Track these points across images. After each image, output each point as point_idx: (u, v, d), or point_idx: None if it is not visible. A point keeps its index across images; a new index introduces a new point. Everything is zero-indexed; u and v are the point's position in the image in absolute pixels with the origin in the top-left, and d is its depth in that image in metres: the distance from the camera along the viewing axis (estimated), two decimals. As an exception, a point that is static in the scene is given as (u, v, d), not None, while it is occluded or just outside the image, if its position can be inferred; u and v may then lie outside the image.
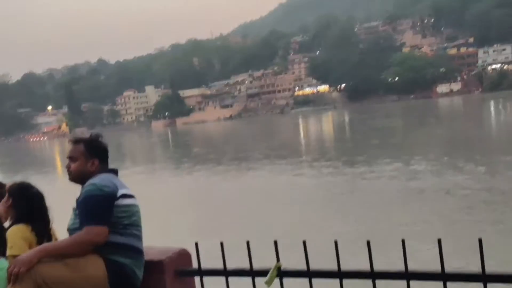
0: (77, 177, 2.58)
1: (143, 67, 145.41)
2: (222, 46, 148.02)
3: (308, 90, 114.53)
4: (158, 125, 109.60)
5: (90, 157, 2.58)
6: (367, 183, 16.25)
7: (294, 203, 14.41)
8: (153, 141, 68.84)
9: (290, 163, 24.45)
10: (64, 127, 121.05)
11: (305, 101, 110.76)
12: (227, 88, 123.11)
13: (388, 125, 43.14)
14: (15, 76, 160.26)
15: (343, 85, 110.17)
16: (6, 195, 2.83)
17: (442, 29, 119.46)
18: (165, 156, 42.44)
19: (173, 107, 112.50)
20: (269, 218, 12.59)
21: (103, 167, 2.61)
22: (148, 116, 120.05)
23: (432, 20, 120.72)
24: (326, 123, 63.27)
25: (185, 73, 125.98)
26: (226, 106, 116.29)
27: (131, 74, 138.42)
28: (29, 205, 2.78)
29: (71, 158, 2.60)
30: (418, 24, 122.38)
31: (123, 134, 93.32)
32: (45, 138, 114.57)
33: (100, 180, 2.47)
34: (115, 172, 2.63)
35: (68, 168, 2.60)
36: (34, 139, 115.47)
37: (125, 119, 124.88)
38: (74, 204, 2.56)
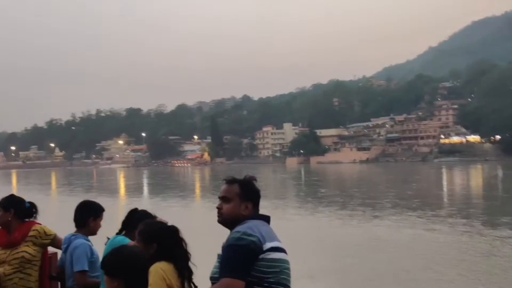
0: (228, 220, 2.38)
1: (283, 105, 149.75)
2: (364, 88, 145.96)
3: (455, 139, 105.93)
4: (292, 161, 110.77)
5: (245, 199, 2.39)
6: (508, 249, 13.75)
7: (415, 258, 12.79)
8: (285, 177, 69.44)
9: (421, 216, 22.23)
10: (206, 156, 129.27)
11: (451, 150, 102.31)
12: (365, 131, 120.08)
13: (547, 185, 37.36)
14: (170, 106, 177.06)
15: (498, 136, 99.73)
16: (139, 240, 2.65)
17: None
18: (292, 193, 42.23)
19: (308, 146, 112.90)
20: (382, 270, 11.25)
21: (255, 212, 2.40)
22: (284, 152, 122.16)
23: None
24: (473, 177, 57.37)
25: (324, 113, 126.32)
26: (363, 149, 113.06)
27: (272, 111, 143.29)
28: (168, 244, 2.59)
29: (224, 198, 2.41)
30: None
31: (258, 167, 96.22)
32: (188, 164, 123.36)
33: (247, 227, 2.25)
34: (267, 219, 2.38)
35: (220, 209, 2.41)
36: (179, 165, 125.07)
37: (262, 153, 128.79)
38: (219, 251, 2.33)
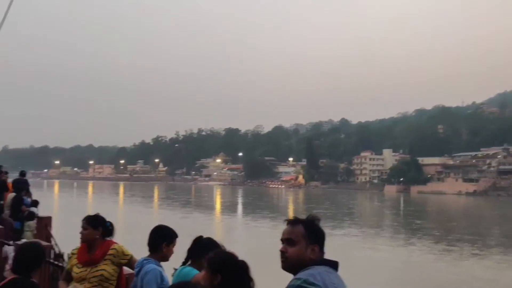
0: (294, 265, 2.14)
1: (383, 130, 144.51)
2: (474, 115, 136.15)
3: None
4: (391, 189, 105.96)
5: (311, 242, 2.17)
6: None
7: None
8: (381, 206, 66.46)
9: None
10: (300, 178, 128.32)
11: None
12: (473, 161, 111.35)
13: None
14: (267, 127, 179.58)
15: None
16: (206, 268, 2.54)
17: None
18: (385, 223, 40.00)
19: (409, 174, 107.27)
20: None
21: (321, 255, 2.19)
22: (382, 179, 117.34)
23: None
24: None
25: (427, 140, 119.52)
26: (470, 180, 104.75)
27: (371, 136, 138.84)
28: (233, 278, 2.47)
29: (289, 240, 2.17)
30: None
31: (354, 194, 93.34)
32: (282, 186, 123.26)
33: (309, 274, 2.03)
34: (334, 265, 2.15)
35: (284, 252, 2.18)
36: (273, 186, 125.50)
37: (359, 179, 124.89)
38: None
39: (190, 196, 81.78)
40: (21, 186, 11.05)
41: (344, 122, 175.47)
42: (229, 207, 57.40)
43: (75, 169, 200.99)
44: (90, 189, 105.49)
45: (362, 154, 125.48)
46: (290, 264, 2.13)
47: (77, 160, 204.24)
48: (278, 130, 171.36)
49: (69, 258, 3.87)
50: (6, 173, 13.09)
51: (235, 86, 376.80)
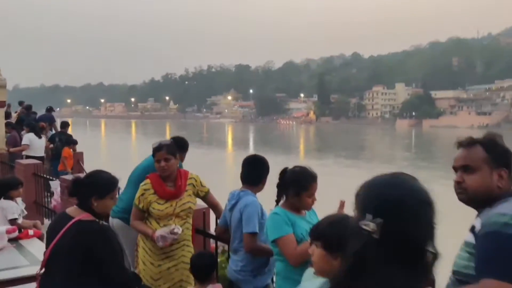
0: (478, 196, 1.74)
1: (396, 63, 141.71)
2: (489, 46, 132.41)
3: None
4: (402, 124, 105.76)
5: (496, 166, 1.74)
6: None
7: None
8: (393, 140, 66.72)
9: None
10: (311, 114, 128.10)
11: None
12: (487, 94, 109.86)
13: None
14: (277, 63, 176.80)
15: None
16: (321, 247, 1.97)
17: None
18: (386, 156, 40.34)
19: (421, 108, 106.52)
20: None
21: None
22: (394, 114, 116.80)
23: None
24: None
25: (441, 73, 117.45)
26: (484, 114, 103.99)
27: (383, 70, 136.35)
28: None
29: (466, 167, 1.76)
30: None
31: (366, 129, 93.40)
32: (293, 122, 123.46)
33: None
34: None
35: (460, 182, 1.78)
36: (284, 122, 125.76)
37: (370, 114, 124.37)
38: (468, 237, 1.70)
39: (202, 133, 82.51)
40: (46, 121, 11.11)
41: (356, 56, 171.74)
42: (240, 143, 57.96)
43: (87, 107, 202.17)
44: (103, 127, 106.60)
45: (374, 88, 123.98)
46: (471, 195, 1.74)
47: (89, 99, 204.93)
48: (289, 66, 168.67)
49: (141, 194, 3.30)
50: (9, 106, 12.25)
51: (244, 22, 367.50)
